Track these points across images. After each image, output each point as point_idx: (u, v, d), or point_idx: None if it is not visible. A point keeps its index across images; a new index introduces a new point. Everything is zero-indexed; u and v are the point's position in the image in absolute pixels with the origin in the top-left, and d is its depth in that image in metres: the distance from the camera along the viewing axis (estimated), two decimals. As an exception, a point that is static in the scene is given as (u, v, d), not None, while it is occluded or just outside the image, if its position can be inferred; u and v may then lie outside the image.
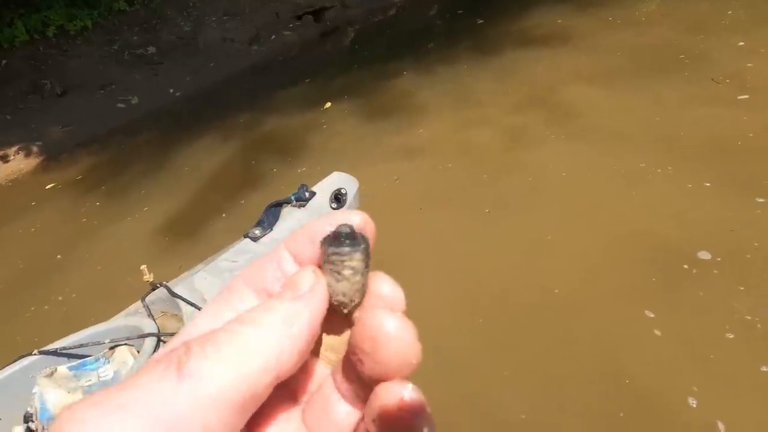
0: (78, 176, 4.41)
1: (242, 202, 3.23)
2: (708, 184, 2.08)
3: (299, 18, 6.97)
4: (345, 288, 0.23)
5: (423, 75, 4.54)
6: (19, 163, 4.88)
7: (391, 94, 4.32)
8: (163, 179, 3.91)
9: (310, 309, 0.23)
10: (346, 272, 0.23)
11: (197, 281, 1.38)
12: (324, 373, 0.26)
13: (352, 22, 7.09)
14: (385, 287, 0.24)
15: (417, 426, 0.21)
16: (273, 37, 6.65)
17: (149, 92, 5.67)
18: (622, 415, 1.39)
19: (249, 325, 0.21)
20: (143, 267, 1.38)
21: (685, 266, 1.75)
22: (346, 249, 0.23)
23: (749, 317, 1.53)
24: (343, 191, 1.60)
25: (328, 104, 4.43)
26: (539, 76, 3.74)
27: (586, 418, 1.41)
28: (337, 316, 0.24)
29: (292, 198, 1.61)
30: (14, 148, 4.94)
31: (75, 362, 1.27)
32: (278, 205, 1.62)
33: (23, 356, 1.26)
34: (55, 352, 1.26)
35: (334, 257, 0.23)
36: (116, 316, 1.44)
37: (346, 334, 0.25)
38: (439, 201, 2.57)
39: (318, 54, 6.39)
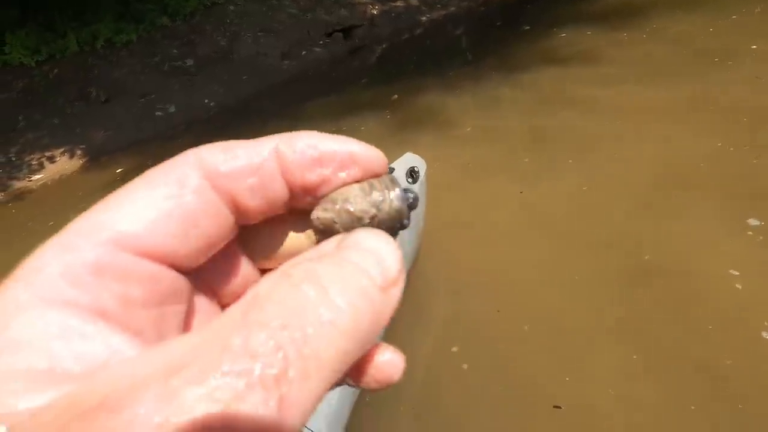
0: (117, 177, 4.65)
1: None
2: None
3: (329, 35, 7.24)
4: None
5: (449, 89, 4.66)
6: (65, 164, 5.17)
7: (420, 105, 4.45)
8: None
9: (393, 305, 0.18)
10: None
11: None
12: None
13: (380, 40, 7.32)
14: None
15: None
16: (304, 52, 6.92)
17: (186, 102, 5.95)
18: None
19: (349, 322, 0.16)
20: None
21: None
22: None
23: None
24: (416, 169, 1.79)
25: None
26: (571, 80, 3.90)
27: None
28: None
29: None
30: (60, 150, 5.24)
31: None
32: None
33: None
34: None
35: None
36: None
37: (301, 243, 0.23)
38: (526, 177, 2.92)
39: (346, 69, 6.60)
